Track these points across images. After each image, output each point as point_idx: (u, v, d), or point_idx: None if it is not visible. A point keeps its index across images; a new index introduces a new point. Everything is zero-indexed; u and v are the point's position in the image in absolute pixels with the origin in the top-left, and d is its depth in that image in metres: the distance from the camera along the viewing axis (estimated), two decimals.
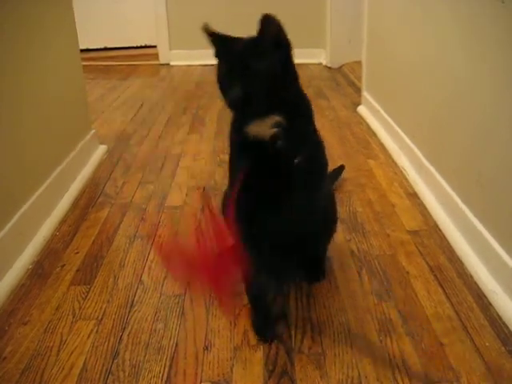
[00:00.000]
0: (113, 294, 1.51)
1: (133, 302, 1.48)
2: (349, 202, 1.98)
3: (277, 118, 1.18)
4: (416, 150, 2.14)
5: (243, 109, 1.16)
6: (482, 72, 1.54)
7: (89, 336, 1.35)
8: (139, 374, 1.22)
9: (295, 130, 1.21)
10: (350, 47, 4.00)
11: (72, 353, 1.29)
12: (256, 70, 1.14)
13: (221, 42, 1.21)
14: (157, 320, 1.40)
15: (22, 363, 1.26)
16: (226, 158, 1.34)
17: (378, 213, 1.91)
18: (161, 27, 4.53)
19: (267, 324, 1.37)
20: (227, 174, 1.36)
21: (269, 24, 1.16)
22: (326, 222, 1.53)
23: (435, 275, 1.55)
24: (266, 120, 1.18)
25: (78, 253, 1.72)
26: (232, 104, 1.16)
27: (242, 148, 1.26)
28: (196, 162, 2.44)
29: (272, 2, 4.41)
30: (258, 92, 1.14)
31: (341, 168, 2.15)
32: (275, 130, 1.18)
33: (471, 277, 1.53)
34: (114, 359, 1.27)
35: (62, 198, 2.01)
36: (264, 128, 1.19)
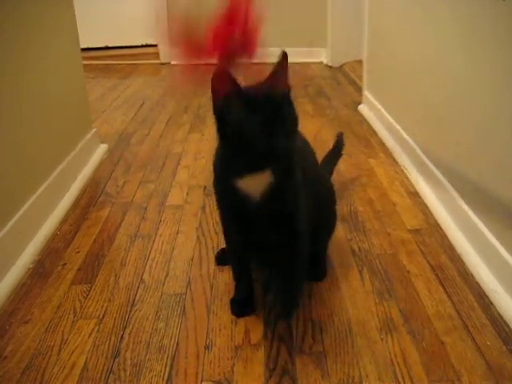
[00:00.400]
0: (114, 292, 1.51)
1: (134, 300, 1.48)
2: (350, 201, 1.98)
3: (268, 176, 1.17)
4: (417, 148, 2.14)
5: (276, 161, 1.14)
6: (482, 71, 1.54)
7: (90, 335, 1.35)
8: (140, 373, 1.22)
9: (283, 186, 1.21)
10: (351, 46, 3.99)
11: (73, 352, 1.29)
12: (293, 117, 1.13)
13: (240, 91, 1.12)
14: (158, 319, 1.40)
15: (22, 362, 1.26)
16: None
17: (379, 212, 1.91)
18: (161, 26, 4.52)
19: (245, 300, 1.42)
20: None
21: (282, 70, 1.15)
22: (326, 219, 1.53)
23: (436, 274, 1.55)
24: (258, 175, 1.17)
25: (78, 252, 1.72)
26: (275, 155, 1.10)
27: (229, 199, 1.27)
28: (197, 161, 2.43)
29: (273, 1, 4.43)
30: (292, 142, 1.13)
31: (339, 145, 1.94)
32: (266, 189, 1.19)
33: (472, 276, 1.53)
34: (115, 358, 1.27)
35: (63, 197, 2.01)
36: (255, 184, 1.19)
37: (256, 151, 1.10)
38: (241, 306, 1.42)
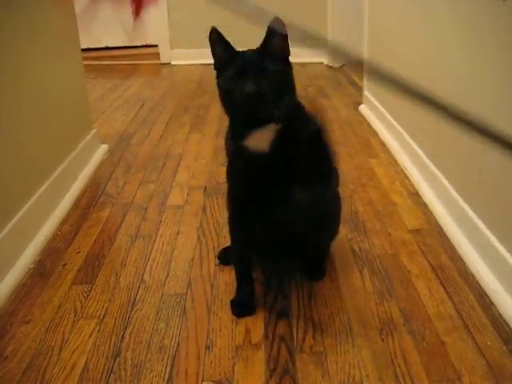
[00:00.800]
0: (114, 293, 1.51)
1: (134, 301, 1.48)
2: (350, 201, 1.98)
3: (273, 130, 1.20)
4: (417, 148, 2.14)
5: (251, 108, 1.17)
6: (482, 70, 1.54)
7: (90, 335, 1.35)
8: (141, 374, 1.22)
9: (293, 138, 1.22)
10: (352, 46, 3.99)
11: (74, 352, 1.29)
12: (271, 70, 1.18)
13: (229, 47, 1.22)
14: (158, 319, 1.40)
15: (23, 362, 1.26)
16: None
17: (380, 212, 1.91)
18: (162, 26, 4.53)
19: (246, 301, 1.42)
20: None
21: (275, 33, 1.18)
22: (330, 222, 1.53)
23: (437, 274, 1.55)
24: (264, 130, 1.20)
25: (79, 252, 1.72)
26: (242, 101, 1.16)
27: (241, 159, 1.27)
28: (197, 161, 2.44)
29: (273, 1, 4.44)
30: (270, 92, 1.16)
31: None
32: (273, 141, 1.21)
33: (473, 276, 1.53)
34: (115, 358, 1.27)
35: (64, 197, 2.02)
36: (263, 140, 1.21)
37: (233, 102, 1.18)
38: (241, 307, 1.42)
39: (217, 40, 1.22)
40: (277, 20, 1.11)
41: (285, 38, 1.20)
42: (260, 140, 1.22)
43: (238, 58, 1.20)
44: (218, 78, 1.25)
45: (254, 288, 1.44)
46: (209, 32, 1.21)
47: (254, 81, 1.16)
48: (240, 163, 1.29)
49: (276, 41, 1.19)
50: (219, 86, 1.23)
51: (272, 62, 1.19)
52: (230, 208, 1.42)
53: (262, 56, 1.19)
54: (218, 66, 1.24)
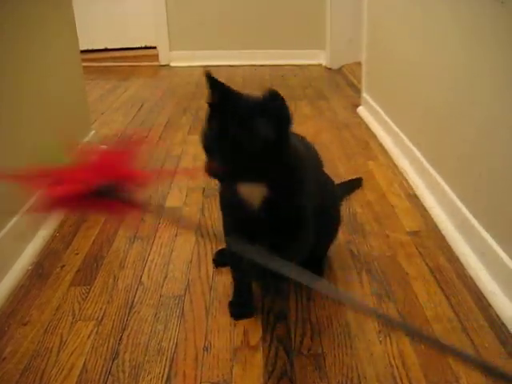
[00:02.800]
0: (113, 294, 1.51)
1: (133, 302, 1.48)
2: (348, 203, 1.98)
3: (263, 190, 1.20)
4: (416, 151, 2.15)
5: (222, 178, 1.16)
6: (482, 72, 1.54)
7: (89, 337, 1.35)
8: (139, 375, 1.22)
9: (283, 201, 1.23)
10: (350, 48, 4.00)
11: (72, 353, 1.29)
12: (237, 142, 1.08)
13: (221, 94, 1.13)
14: (156, 321, 1.40)
15: (21, 364, 1.26)
16: None
17: (378, 214, 1.91)
18: (161, 28, 4.53)
19: (244, 303, 1.43)
20: None
21: (273, 99, 1.10)
22: (328, 228, 1.53)
23: (435, 276, 1.55)
24: (252, 187, 1.20)
25: (77, 253, 1.72)
26: (209, 173, 1.12)
27: (231, 205, 1.28)
28: (196, 163, 2.43)
29: (272, 3, 4.45)
30: (236, 166, 1.11)
31: (358, 180, 2.12)
32: (262, 200, 1.21)
33: (471, 278, 1.53)
34: (113, 360, 1.27)
35: None
36: (252, 195, 1.21)
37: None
38: (239, 309, 1.42)
39: (210, 84, 1.13)
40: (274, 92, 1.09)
41: (283, 101, 1.11)
42: (250, 194, 1.21)
43: (223, 112, 1.11)
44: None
45: (252, 290, 1.44)
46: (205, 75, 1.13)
47: (222, 154, 1.09)
48: (230, 203, 1.29)
49: (266, 120, 1.10)
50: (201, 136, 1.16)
51: (253, 129, 1.09)
52: (224, 221, 1.42)
53: (245, 119, 1.09)
54: (210, 107, 1.16)
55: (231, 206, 1.29)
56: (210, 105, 1.15)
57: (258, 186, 1.19)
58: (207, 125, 1.14)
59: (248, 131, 1.09)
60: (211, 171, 1.12)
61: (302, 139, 1.42)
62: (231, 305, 1.43)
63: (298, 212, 1.28)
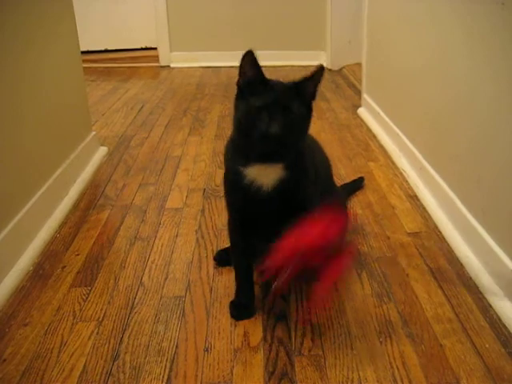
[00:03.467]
0: (113, 295, 1.52)
1: (133, 303, 1.48)
2: (349, 204, 1.98)
3: (280, 170, 1.22)
4: (416, 152, 2.15)
5: (269, 148, 1.16)
6: (483, 74, 1.54)
7: (89, 338, 1.35)
8: (139, 376, 1.22)
9: (294, 182, 1.24)
10: (350, 49, 4.00)
11: (72, 354, 1.29)
12: (297, 113, 1.17)
13: (261, 73, 1.19)
14: (157, 322, 1.40)
15: (22, 365, 1.26)
16: None
17: (378, 215, 1.91)
18: (161, 29, 4.54)
19: (245, 304, 1.42)
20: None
21: (318, 77, 1.19)
22: None
23: (435, 277, 1.55)
24: (271, 168, 1.21)
25: (78, 254, 1.72)
26: (262, 139, 1.14)
27: (240, 185, 1.27)
28: (196, 163, 2.44)
29: (273, 4, 4.45)
30: (291, 136, 1.16)
31: (360, 180, 2.14)
32: (275, 181, 1.22)
33: (471, 279, 1.53)
34: (114, 361, 1.27)
35: (63, 199, 2.02)
36: (268, 177, 1.22)
37: (251, 134, 1.15)
38: (240, 310, 1.42)
39: (251, 62, 1.18)
40: (322, 68, 1.18)
41: (318, 84, 1.20)
42: (263, 176, 1.23)
43: (268, 88, 1.18)
44: (239, 99, 1.22)
45: (253, 291, 1.44)
46: (244, 53, 1.17)
47: (280, 122, 1.14)
48: (238, 188, 1.28)
49: (311, 84, 1.19)
50: (241, 110, 1.20)
51: (299, 104, 1.18)
52: (229, 218, 1.43)
53: (293, 95, 1.18)
54: (244, 86, 1.21)
55: (241, 188, 1.27)
56: (250, 78, 1.19)
57: (276, 166, 1.21)
58: (252, 96, 1.17)
59: (296, 104, 1.17)
60: (269, 137, 1.14)
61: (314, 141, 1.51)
62: (232, 305, 1.43)
63: (306, 195, 1.29)
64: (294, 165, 1.23)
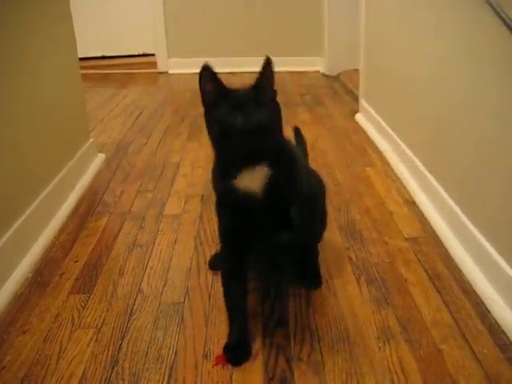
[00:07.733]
0: (112, 302, 1.52)
1: (132, 310, 1.48)
2: (347, 210, 1.99)
3: (266, 169, 1.21)
4: (414, 158, 2.15)
5: (249, 142, 1.16)
6: (482, 80, 1.54)
7: (88, 344, 1.35)
8: (139, 383, 1.22)
9: (282, 178, 1.24)
10: (348, 55, 4.01)
11: (71, 361, 1.29)
12: (267, 105, 1.18)
13: (221, 84, 1.20)
14: (156, 328, 1.40)
15: (21, 372, 1.26)
16: None
17: (376, 220, 1.92)
18: (159, 35, 4.55)
19: (241, 344, 1.31)
20: None
21: (268, 71, 1.19)
22: (314, 226, 1.54)
23: (433, 282, 1.55)
24: (256, 170, 1.20)
25: (77, 261, 1.72)
26: (241, 135, 1.14)
27: (231, 198, 1.26)
28: (194, 170, 2.44)
29: (269, 10, 4.47)
30: (266, 126, 1.16)
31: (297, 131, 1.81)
32: (264, 182, 1.21)
33: (469, 284, 1.54)
34: (113, 368, 1.27)
35: (61, 206, 2.02)
36: (255, 180, 1.21)
37: (227, 137, 1.16)
38: (238, 353, 1.30)
39: (209, 77, 1.19)
40: (268, 59, 1.16)
41: (271, 76, 1.20)
42: (252, 180, 1.21)
43: (232, 93, 1.19)
44: (208, 113, 1.22)
45: (247, 327, 1.34)
46: (200, 69, 1.18)
47: (249, 114, 1.14)
48: (230, 202, 1.28)
49: (264, 78, 1.19)
50: (212, 120, 1.20)
51: (265, 99, 1.19)
52: (221, 241, 1.38)
53: (256, 92, 1.18)
54: (209, 101, 1.21)
55: (235, 203, 1.26)
56: (212, 92, 1.19)
57: (261, 167, 1.20)
58: (218, 105, 1.18)
59: (263, 109, 1.17)
60: (245, 129, 1.14)
61: None
62: (227, 349, 1.30)
63: (297, 189, 1.30)
64: (278, 161, 1.22)
